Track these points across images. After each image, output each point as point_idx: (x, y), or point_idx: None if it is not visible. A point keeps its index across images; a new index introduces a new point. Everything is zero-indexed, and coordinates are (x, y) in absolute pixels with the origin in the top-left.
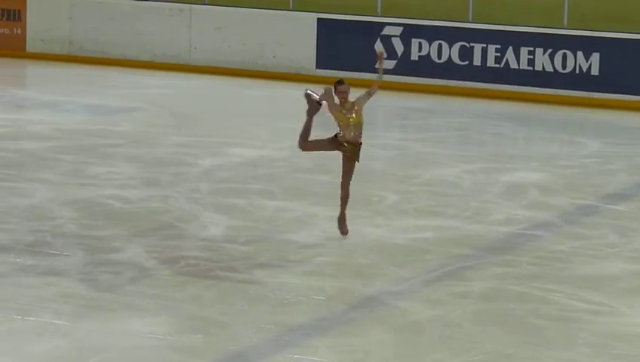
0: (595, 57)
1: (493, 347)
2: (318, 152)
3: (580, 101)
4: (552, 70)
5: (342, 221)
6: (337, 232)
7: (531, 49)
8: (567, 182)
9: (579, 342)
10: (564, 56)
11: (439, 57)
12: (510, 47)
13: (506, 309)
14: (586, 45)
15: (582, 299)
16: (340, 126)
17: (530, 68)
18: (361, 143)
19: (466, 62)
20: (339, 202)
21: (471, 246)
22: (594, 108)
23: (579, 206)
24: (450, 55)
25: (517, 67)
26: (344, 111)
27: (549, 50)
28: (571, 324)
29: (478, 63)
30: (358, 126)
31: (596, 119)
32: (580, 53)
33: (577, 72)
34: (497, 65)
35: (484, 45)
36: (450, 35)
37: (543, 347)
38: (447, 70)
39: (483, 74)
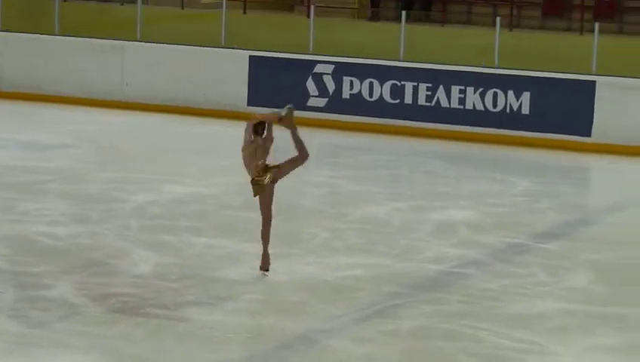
0: (526, 96)
1: None
2: (247, 189)
3: (511, 140)
4: (482, 109)
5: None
6: (270, 271)
7: (462, 88)
8: (497, 221)
9: None
10: (495, 95)
11: (370, 95)
12: (441, 86)
13: (435, 347)
14: (517, 84)
15: (512, 338)
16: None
17: (462, 106)
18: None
19: (397, 101)
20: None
21: (401, 284)
22: (524, 146)
23: (509, 244)
24: (381, 93)
25: (448, 105)
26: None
27: (480, 89)
28: None
29: (410, 101)
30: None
31: (526, 158)
32: (510, 92)
33: (508, 110)
34: (428, 104)
35: (415, 83)
36: (382, 74)
37: None
38: (378, 108)
39: (414, 112)
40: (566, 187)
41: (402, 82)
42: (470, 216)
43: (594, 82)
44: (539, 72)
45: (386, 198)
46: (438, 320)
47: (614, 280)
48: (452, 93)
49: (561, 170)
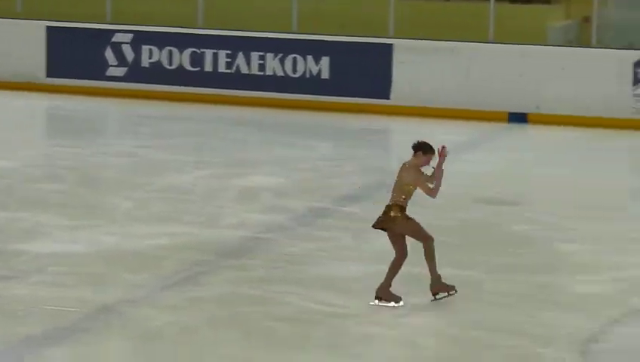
0: (325, 61)
1: (230, 351)
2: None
3: (312, 104)
4: (283, 74)
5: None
6: (74, 242)
7: (262, 54)
8: (300, 186)
9: (314, 343)
10: (295, 61)
11: (170, 64)
12: (241, 53)
13: (241, 313)
14: (316, 49)
15: (316, 301)
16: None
17: (262, 73)
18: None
19: (197, 68)
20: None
21: (206, 251)
22: (325, 111)
23: (312, 208)
24: (181, 61)
25: (248, 72)
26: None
27: (280, 55)
28: (306, 326)
29: (210, 69)
30: None
31: (328, 122)
32: (309, 57)
33: (308, 75)
34: (229, 71)
35: (215, 51)
36: (181, 41)
37: (280, 349)
38: (178, 76)
39: (215, 79)
40: (367, 150)
41: (202, 50)
42: (273, 182)
43: (391, 45)
44: (337, 37)
45: (189, 166)
46: (243, 285)
47: (414, 240)
48: (252, 59)
49: (362, 133)
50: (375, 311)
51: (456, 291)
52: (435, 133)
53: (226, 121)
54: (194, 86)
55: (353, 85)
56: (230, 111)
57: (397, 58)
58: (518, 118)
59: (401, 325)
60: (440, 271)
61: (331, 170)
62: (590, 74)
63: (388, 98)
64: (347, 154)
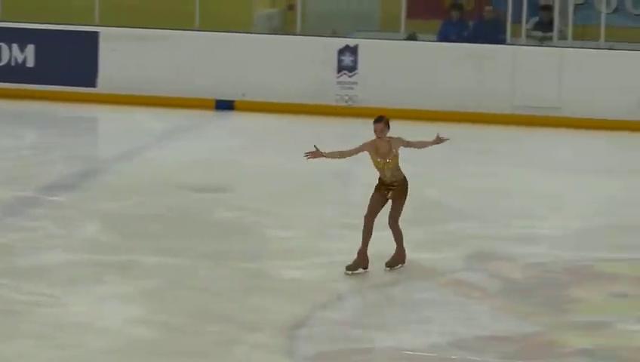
0: (31, 49)
1: None
2: None
3: (17, 93)
4: None
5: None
6: None
7: None
8: (6, 175)
9: (21, 334)
10: None
11: None
12: None
13: None
14: (21, 37)
15: (24, 291)
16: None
17: None
18: (403, 178)
19: None
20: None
21: None
22: (31, 99)
23: (18, 198)
24: None
25: None
26: (379, 159)
27: None
28: (14, 316)
29: None
30: (395, 167)
31: (34, 110)
32: (15, 45)
33: (13, 64)
34: None
35: None
36: None
37: None
38: None
39: None
40: (74, 138)
41: None
42: None
43: (97, 33)
44: (42, 25)
45: None
46: None
47: (121, 228)
48: None
49: (68, 121)
50: (83, 301)
51: (351, 272)
52: (142, 121)
53: None
54: None
55: (59, 73)
56: None
57: (103, 46)
58: (225, 105)
59: (109, 313)
60: (146, 258)
61: (38, 158)
62: (296, 61)
63: (94, 86)
64: (53, 142)
